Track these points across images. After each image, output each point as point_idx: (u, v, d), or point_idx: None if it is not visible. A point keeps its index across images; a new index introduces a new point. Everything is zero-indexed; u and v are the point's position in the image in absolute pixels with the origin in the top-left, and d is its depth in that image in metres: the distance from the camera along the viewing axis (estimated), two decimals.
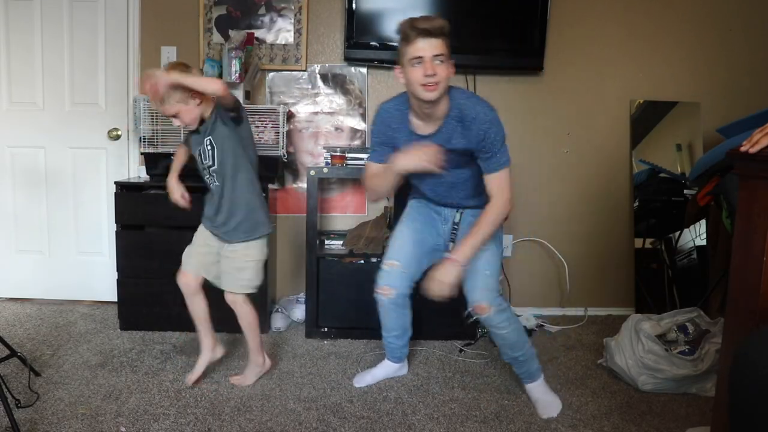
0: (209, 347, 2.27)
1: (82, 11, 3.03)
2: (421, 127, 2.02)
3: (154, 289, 2.76)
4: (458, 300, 2.76)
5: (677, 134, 3.21)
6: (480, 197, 2.08)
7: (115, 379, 2.26)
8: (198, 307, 2.23)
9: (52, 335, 2.71)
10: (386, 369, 2.37)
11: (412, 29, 1.85)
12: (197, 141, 2.13)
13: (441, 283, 1.94)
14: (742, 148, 1.41)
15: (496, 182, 1.97)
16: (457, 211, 2.19)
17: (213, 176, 2.15)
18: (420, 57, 1.85)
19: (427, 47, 1.84)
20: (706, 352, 2.22)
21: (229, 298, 2.19)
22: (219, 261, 2.21)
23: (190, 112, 2.03)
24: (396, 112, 2.06)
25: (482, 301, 2.03)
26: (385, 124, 2.08)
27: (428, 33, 1.83)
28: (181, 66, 2.01)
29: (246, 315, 2.21)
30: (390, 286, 2.18)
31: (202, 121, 2.10)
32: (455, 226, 2.19)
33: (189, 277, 2.22)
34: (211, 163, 2.12)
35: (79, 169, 3.15)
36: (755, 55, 3.20)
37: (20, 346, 2.49)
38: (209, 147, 2.10)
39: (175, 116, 2.03)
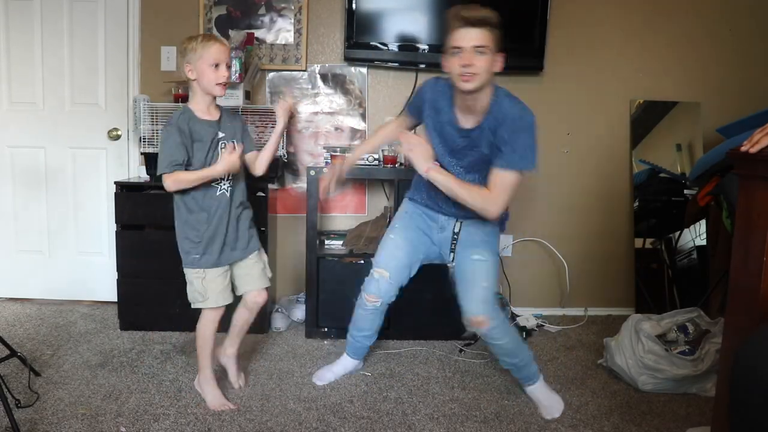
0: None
1: (82, 11, 3.03)
2: (461, 119, 1.98)
3: (154, 289, 2.76)
4: (458, 300, 2.77)
5: (677, 134, 3.22)
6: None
7: (115, 379, 2.26)
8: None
9: (52, 335, 2.71)
10: (346, 365, 2.38)
11: (455, 18, 1.82)
12: (209, 136, 1.94)
13: (413, 157, 1.93)
14: (743, 149, 1.41)
15: (499, 179, 1.87)
16: (456, 221, 2.12)
17: (229, 182, 2.00)
18: (459, 47, 1.81)
19: (467, 37, 1.80)
20: (706, 352, 2.22)
21: (261, 298, 2.14)
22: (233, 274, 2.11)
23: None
24: (442, 93, 2.01)
25: (479, 314, 2.01)
26: (432, 98, 2.03)
27: (469, 23, 1.80)
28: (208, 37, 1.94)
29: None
30: (378, 296, 2.19)
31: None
32: (455, 236, 2.12)
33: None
34: None
35: (79, 169, 3.15)
36: (755, 55, 3.20)
37: (20, 346, 2.49)
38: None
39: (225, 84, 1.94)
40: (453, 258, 2.13)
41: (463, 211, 2.03)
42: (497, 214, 1.91)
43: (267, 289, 2.17)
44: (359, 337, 2.32)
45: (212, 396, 2.07)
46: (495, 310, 2.03)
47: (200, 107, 1.96)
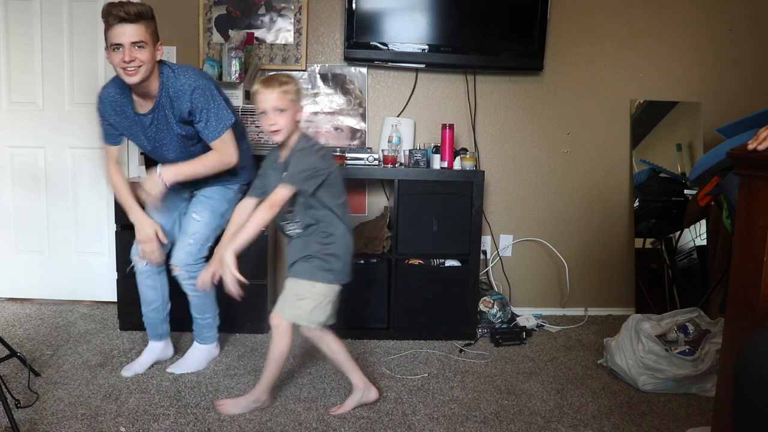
0: (359, 387, 2.08)
1: (82, 11, 3.03)
2: (142, 105, 2.12)
3: None
4: (460, 300, 2.78)
5: (677, 134, 3.22)
6: (217, 178, 2.25)
7: (115, 379, 2.26)
8: (328, 349, 2.05)
9: (52, 335, 2.71)
10: (151, 352, 2.38)
11: (109, 14, 1.92)
12: (273, 175, 1.99)
13: (148, 191, 2.11)
14: (750, 146, 1.40)
15: (218, 146, 2.13)
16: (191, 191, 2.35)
17: (293, 224, 1.99)
18: (119, 44, 1.93)
19: (125, 34, 1.92)
20: (707, 353, 2.22)
21: (274, 321, 1.96)
22: None
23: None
24: (117, 96, 2.14)
25: (177, 262, 2.23)
26: (107, 110, 2.17)
27: (124, 19, 1.91)
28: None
29: (282, 345, 1.96)
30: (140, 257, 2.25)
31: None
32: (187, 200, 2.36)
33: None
34: (290, 208, 1.97)
35: (78, 169, 3.15)
36: (756, 54, 3.21)
37: (20, 346, 2.49)
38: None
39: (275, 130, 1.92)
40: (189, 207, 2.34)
41: (199, 184, 2.30)
42: (236, 159, 2.16)
43: (285, 316, 1.97)
44: (149, 313, 2.36)
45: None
46: (195, 266, 2.22)
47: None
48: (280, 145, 1.99)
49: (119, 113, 2.16)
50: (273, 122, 1.89)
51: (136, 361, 2.35)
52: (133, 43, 1.93)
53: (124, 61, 1.93)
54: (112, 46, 1.95)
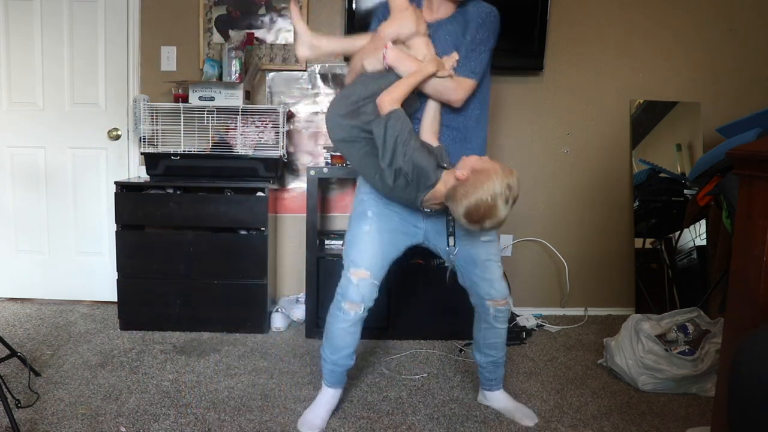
0: None
1: (82, 11, 3.03)
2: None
3: (154, 289, 2.76)
4: (460, 300, 2.77)
5: (677, 134, 3.22)
6: None
7: (115, 379, 2.26)
8: None
9: (52, 335, 2.71)
10: (330, 400, 1.99)
11: None
12: None
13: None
14: None
15: None
16: None
17: None
18: None
19: None
20: (706, 352, 2.22)
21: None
22: None
23: None
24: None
25: (504, 295, 1.93)
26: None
27: None
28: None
29: None
30: (362, 302, 1.86)
31: None
32: (451, 219, 1.76)
33: None
34: None
35: (78, 169, 3.15)
36: (756, 55, 3.20)
37: (20, 346, 2.49)
38: None
39: None
40: (454, 243, 1.80)
41: None
42: (458, 97, 1.85)
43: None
44: (340, 360, 1.94)
45: None
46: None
47: None
48: None
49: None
50: None
51: (315, 413, 1.95)
52: None
53: None
54: None
